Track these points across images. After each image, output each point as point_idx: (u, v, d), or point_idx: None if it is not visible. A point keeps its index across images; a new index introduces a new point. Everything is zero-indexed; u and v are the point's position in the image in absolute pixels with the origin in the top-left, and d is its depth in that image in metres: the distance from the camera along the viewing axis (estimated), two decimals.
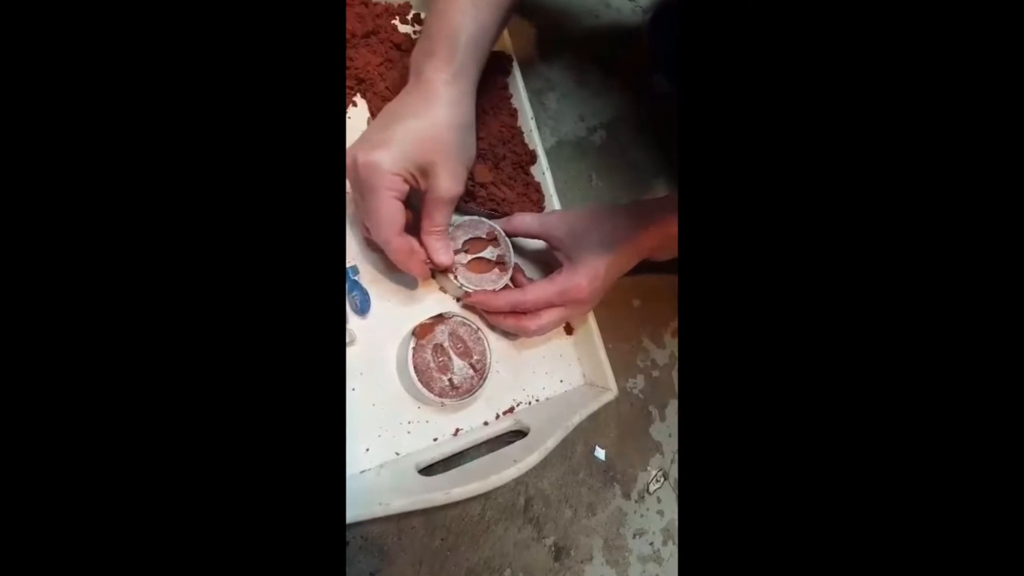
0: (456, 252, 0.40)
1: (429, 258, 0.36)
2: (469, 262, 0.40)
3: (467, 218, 0.41)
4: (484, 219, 0.41)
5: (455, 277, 0.39)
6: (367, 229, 0.36)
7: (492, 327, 0.42)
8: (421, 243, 0.36)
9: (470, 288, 0.39)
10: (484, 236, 0.41)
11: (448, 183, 0.34)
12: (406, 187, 0.33)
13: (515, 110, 0.48)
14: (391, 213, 0.33)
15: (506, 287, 0.40)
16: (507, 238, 0.41)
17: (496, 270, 0.41)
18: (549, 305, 0.39)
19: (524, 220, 0.41)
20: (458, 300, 0.42)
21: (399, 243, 0.34)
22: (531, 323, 0.39)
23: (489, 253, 0.41)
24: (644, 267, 0.43)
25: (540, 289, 0.38)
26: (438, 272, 0.40)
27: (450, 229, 0.40)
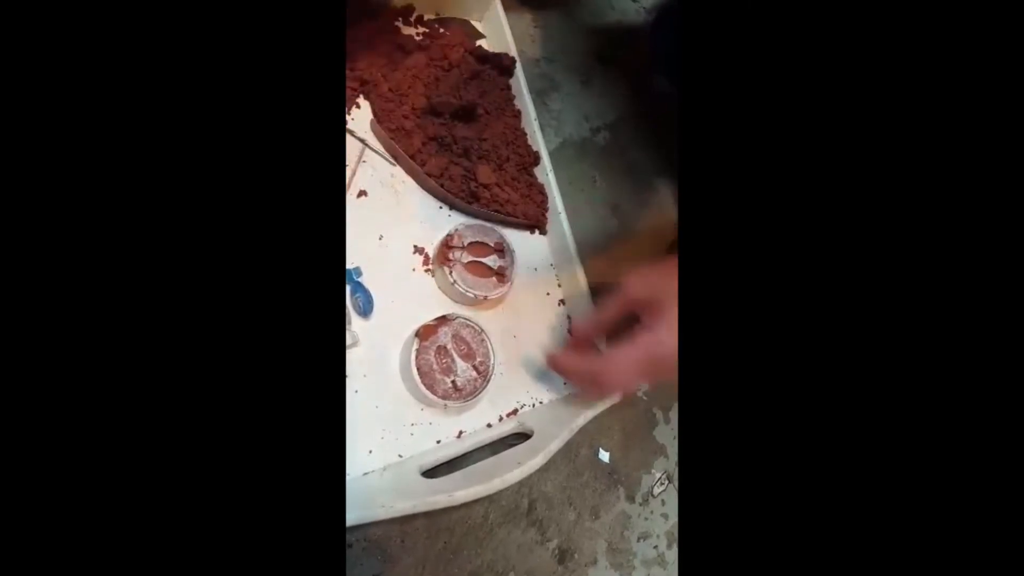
0: (458, 248, 0.40)
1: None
2: (469, 263, 0.40)
3: (479, 222, 0.41)
4: (496, 228, 0.41)
5: (450, 273, 0.39)
6: None
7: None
8: None
9: (462, 288, 0.38)
10: (491, 244, 0.41)
11: None
12: None
13: (518, 111, 0.48)
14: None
15: (581, 348, 0.40)
16: (513, 252, 0.41)
17: (495, 279, 0.40)
18: (635, 373, 0.35)
19: (598, 321, 0.38)
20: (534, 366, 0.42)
21: None
22: (613, 380, 0.35)
23: (491, 261, 0.41)
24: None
25: (624, 355, 0.34)
26: (434, 264, 0.40)
27: (460, 227, 0.40)
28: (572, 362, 0.38)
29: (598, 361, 0.36)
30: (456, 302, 0.41)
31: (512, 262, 0.41)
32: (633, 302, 0.36)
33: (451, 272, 0.39)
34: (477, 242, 0.41)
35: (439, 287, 0.41)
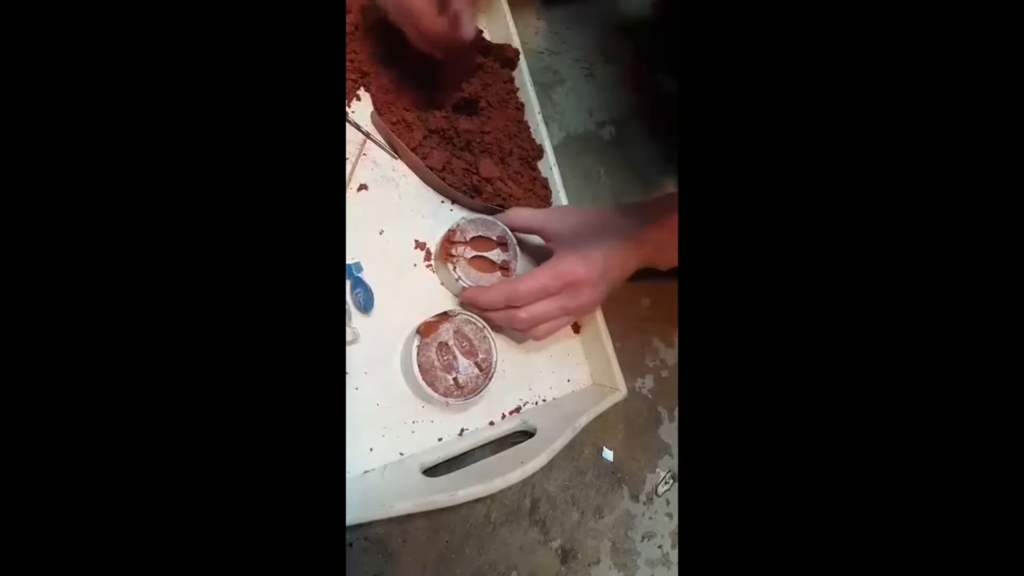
0: (461, 244, 0.39)
1: (455, 31, 0.35)
2: (472, 258, 0.40)
3: (481, 216, 0.40)
4: (499, 223, 0.40)
5: (454, 268, 0.38)
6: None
7: (496, 329, 0.42)
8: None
9: (466, 283, 0.39)
10: (494, 238, 0.40)
11: None
12: None
13: (522, 104, 0.47)
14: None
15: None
16: (516, 246, 0.40)
17: (499, 274, 0.40)
18: (545, 293, 0.36)
19: (522, 214, 0.40)
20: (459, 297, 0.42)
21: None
22: (522, 312, 0.36)
23: (495, 255, 0.40)
24: (650, 274, 0.42)
25: (531, 275, 0.36)
26: (437, 260, 0.40)
27: (462, 222, 0.40)
28: (482, 290, 0.38)
29: (506, 283, 0.37)
30: (459, 297, 0.40)
31: (516, 256, 0.41)
32: (548, 232, 0.39)
33: (455, 268, 0.38)
34: (480, 237, 0.40)
35: (442, 283, 0.41)
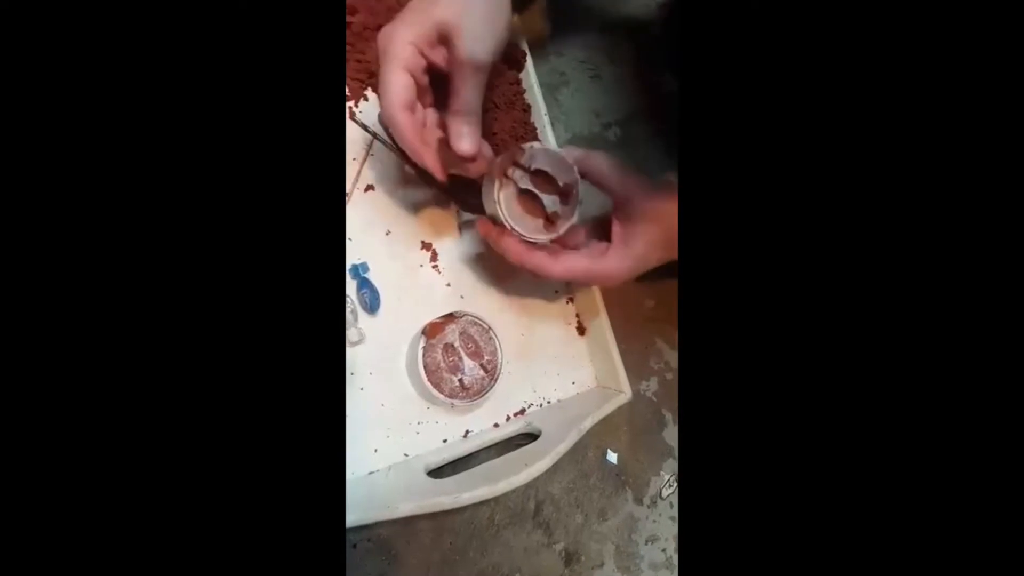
0: (523, 168, 0.33)
1: (450, 144, 0.31)
2: (523, 191, 0.33)
3: (559, 154, 0.33)
4: (575, 171, 0.33)
5: (499, 191, 0.33)
6: (407, 161, 0.33)
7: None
8: (445, 129, 0.31)
9: (505, 219, 0.33)
10: (559, 182, 0.33)
11: (469, 44, 0.29)
12: (420, 60, 0.30)
13: (528, 105, 0.47)
14: (398, 85, 0.30)
15: (538, 245, 0.35)
16: (579, 204, 0.34)
17: (542, 223, 0.34)
18: (574, 279, 0.36)
19: (602, 164, 0.36)
20: (461, 226, 0.39)
21: (404, 119, 0.30)
22: (556, 267, 0.34)
23: (550, 202, 0.34)
24: (665, 272, 0.41)
25: (572, 263, 0.35)
26: (489, 176, 0.34)
27: (536, 147, 0.33)
28: (518, 249, 0.34)
29: (546, 260, 0.34)
30: (478, 226, 0.36)
31: (572, 215, 0.34)
32: (622, 200, 0.35)
33: (499, 192, 0.33)
34: (544, 172, 0.33)
35: (482, 200, 0.35)
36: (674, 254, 0.36)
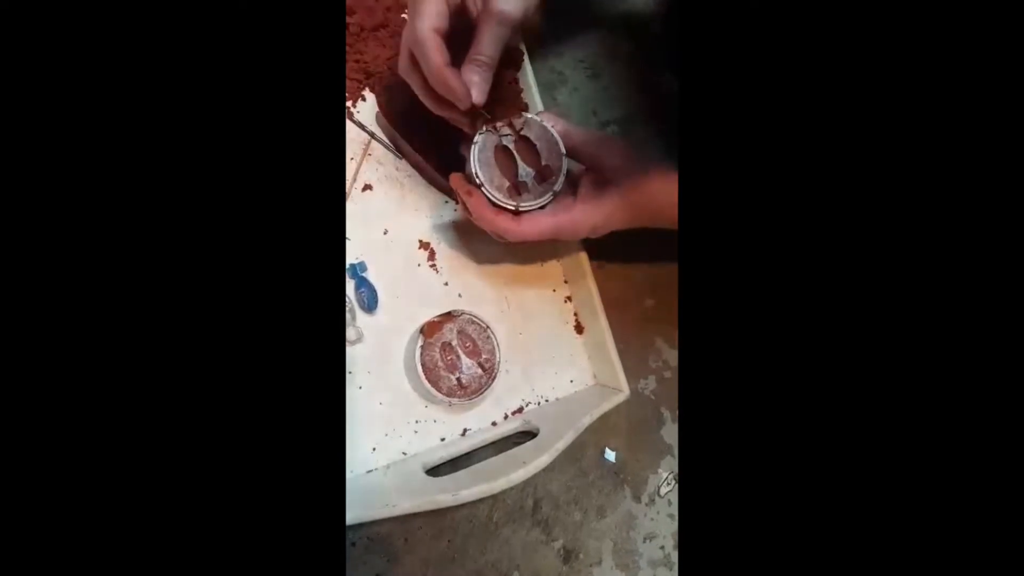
0: (512, 132, 0.33)
1: (464, 92, 0.31)
2: (501, 149, 0.34)
3: (552, 131, 0.34)
4: (563, 151, 0.34)
5: (482, 141, 0.33)
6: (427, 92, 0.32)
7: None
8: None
9: (474, 162, 0.33)
10: (542, 156, 0.34)
11: None
12: (444, 8, 0.30)
13: (526, 104, 0.47)
14: (432, 8, 0.30)
15: (504, 209, 0.34)
16: (553, 193, 0.34)
17: (508, 187, 0.34)
18: (541, 237, 0.35)
19: (567, 129, 0.35)
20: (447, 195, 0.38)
21: (434, 41, 0.30)
22: (520, 227, 0.34)
23: (524, 174, 0.34)
24: (657, 255, 0.40)
25: (538, 223, 0.34)
26: (482, 128, 0.34)
27: (535, 117, 0.34)
28: (486, 211, 0.34)
29: (511, 222, 0.34)
30: (452, 181, 0.35)
31: (540, 196, 0.34)
32: (588, 157, 0.35)
33: (480, 144, 0.33)
34: (530, 143, 0.34)
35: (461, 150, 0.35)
36: (641, 222, 0.36)
